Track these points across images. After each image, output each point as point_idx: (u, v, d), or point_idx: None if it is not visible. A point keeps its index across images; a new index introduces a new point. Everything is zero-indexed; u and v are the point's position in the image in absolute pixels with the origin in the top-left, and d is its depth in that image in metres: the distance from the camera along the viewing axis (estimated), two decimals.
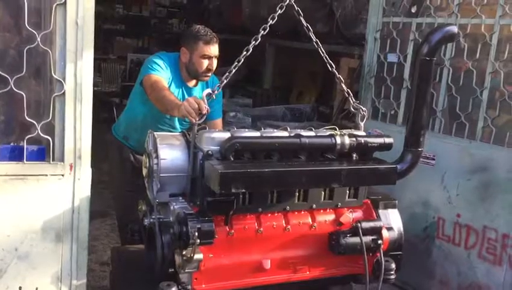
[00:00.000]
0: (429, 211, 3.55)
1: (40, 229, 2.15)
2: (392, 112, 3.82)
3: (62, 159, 2.15)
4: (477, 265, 3.29)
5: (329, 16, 5.82)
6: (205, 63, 2.79)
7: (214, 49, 2.79)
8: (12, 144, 2.14)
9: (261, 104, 6.78)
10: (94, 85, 2.19)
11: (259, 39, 2.20)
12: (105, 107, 7.37)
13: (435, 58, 2.20)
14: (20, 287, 2.16)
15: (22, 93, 2.06)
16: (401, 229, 2.35)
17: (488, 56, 3.25)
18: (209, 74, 2.85)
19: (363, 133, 2.36)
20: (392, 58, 3.81)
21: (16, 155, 2.10)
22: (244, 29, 7.23)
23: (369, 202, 2.34)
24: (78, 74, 2.10)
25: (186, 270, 1.99)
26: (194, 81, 2.93)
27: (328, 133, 2.25)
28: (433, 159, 3.48)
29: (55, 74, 2.09)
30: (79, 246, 2.24)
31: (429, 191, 3.53)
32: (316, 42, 2.36)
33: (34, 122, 2.09)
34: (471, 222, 3.32)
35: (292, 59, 7.56)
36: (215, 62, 2.82)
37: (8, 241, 2.12)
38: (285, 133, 2.23)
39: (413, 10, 3.55)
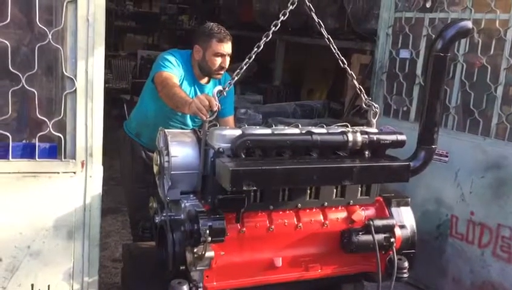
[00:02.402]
0: (442, 209, 3.51)
1: (52, 226, 2.16)
2: (405, 109, 3.79)
3: (74, 157, 2.15)
4: (491, 263, 3.25)
5: (340, 11, 5.77)
6: (218, 60, 2.78)
7: (227, 47, 2.79)
8: (24, 141, 2.15)
9: (272, 101, 6.74)
10: (104, 82, 2.19)
11: (271, 35, 2.18)
12: (116, 104, 7.40)
13: (448, 54, 2.17)
14: (32, 285, 2.17)
15: (34, 90, 2.06)
16: (414, 227, 2.32)
17: (502, 52, 3.20)
18: (222, 72, 2.85)
19: (375, 130, 2.34)
20: (404, 54, 3.78)
21: (27, 153, 2.11)
22: (254, 25, 7.20)
23: (381, 199, 2.32)
24: (89, 71, 2.10)
25: (198, 268, 1.98)
26: (206, 79, 2.92)
27: (339, 130, 2.23)
28: (446, 156, 3.44)
29: (66, 71, 2.09)
30: (91, 243, 2.24)
31: (442, 189, 3.49)
32: (328, 38, 2.33)
33: (46, 119, 2.10)
34: (484, 220, 3.28)
35: (303, 55, 7.53)
36: (228, 60, 2.82)
37: (20, 239, 2.13)
38: (296, 130, 2.21)
39: (428, 5, 3.50)
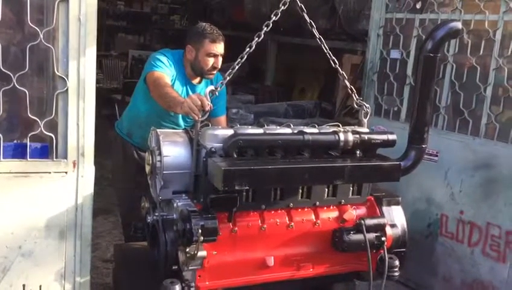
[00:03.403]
0: (432, 208, 3.54)
1: (43, 226, 2.16)
2: (395, 109, 3.81)
3: (65, 157, 2.15)
4: (480, 262, 3.29)
5: (332, 12, 5.80)
6: (211, 61, 2.79)
7: (219, 47, 2.80)
8: (15, 141, 2.14)
9: (264, 101, 6.76)
10: (96, 82, 2.19)
11: (262, 36, 2.19)
12: (107, 104, 7.37)
13: (438, 55, 2.19)
14: (23, 285, 2.17)
15: (25, 90, 2.06)
16: (405, 226, 2.34)
17: (491, 52, 3.24)
18: (214, 72, 2.85)
19: (367, 130, 2.35)
20: (395, 54, 3.81)
21: (19, 153, 2.10)
22: (246, 25, 7.21)
23: (372, 199, 2.34)
24: (81, 71, 2.10)
25: (190, 268, 1.99)
26: (198, 79, 2.93)
27: (331, 130, 2.24)
28: (436, 156, 3.47)
29: (58, 71, 2.08)
30: (82, 244, 2.24)
31: (432, 188, 3.53)
32: (320, 39, 2.35)
33: (37, 119, 2.09)
34: (474, 219, 3.32)
35: (294, 55, 7.54)
36: (220, 60, 2.83)
37: (11, 239, 2.12)
38: (288, 130, 2.22)
39: (418, 6, 3.53)
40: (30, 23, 2.02)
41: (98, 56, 2.13)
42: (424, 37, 3.19)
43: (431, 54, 2.17)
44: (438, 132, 3.49)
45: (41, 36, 2.03)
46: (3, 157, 2.07)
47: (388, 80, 3.83)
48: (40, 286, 2.19)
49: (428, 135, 2.29)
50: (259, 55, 7.62)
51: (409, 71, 3.70)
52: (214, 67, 2.82)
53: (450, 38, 2.41)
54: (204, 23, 2.84)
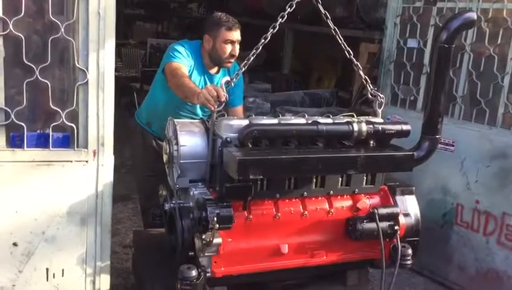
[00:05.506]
0: (448, 197, 3.54)
1: (65, 213, 2.23)
2: (412, 98, 3.80)
3: (86, 146, 2.22)
4: (495, 252, 3.29)
5: (349, 0, 5.76)
6: (228, 48, 2.83)
7: (236, 34, 2.83)
8: (38, 131, 2.21)
9: (280, 89, 6.75)
10: (115, 70, 2.24)
11: (277, 27, 2.21)
12: (126, 92, 7.45)
13: (453, 45, 2.18)
14: (47, 269, 2.25)
15: (47, 82, 2.12)
16: (418, 215, 2.36)
17: (510, 41, 3.20)
18: (232, 60, 2.88)
19: (381, 120, 2.37)
20: (412, 43, 3.78)
21: (42, 142, 2.17)
22: (263, 13, 7.20)
23: (386, 188, 2.36)
24: (100, 63, 2.15)
25: (206, 254, 2.04)
26: (215, 69, 2.97)
27: (345, 120, 2.27)
28: (453, 145, 3.47)
29: (78, 63, 2.14)
30: (103, 230, 2.31)
31: (448, 177, 3.52)
32: (334, 29, 2.36)
33: (59, 110, 2.16)
34: (490, 209, 3.31)
35: (311, 44, 7.51)
36: (237, 47, 2.86)
37: (35, 225, 2.20)
38: (302, 120, 2.25)
39: None
40: (51, 17, 2.08)
41: (116, 45, 2.18)
42: (441, 25, 3.17)
43: (446, 45, 2.16)
44: (454, 122, 3.47)
45: (62, 29, 2.08)
46: (27, 147, 2.14)
47: (405, 69, 3.82)
48: (63, 270, 2.28)
49: (443, 126, 2.29)
50: (276, 43, 7.59)
51: (426, 60, 3.68)
52: (231, 55, 2.85)
53: (465, 28, 2.40)
54: (219, 13, 2.88)
